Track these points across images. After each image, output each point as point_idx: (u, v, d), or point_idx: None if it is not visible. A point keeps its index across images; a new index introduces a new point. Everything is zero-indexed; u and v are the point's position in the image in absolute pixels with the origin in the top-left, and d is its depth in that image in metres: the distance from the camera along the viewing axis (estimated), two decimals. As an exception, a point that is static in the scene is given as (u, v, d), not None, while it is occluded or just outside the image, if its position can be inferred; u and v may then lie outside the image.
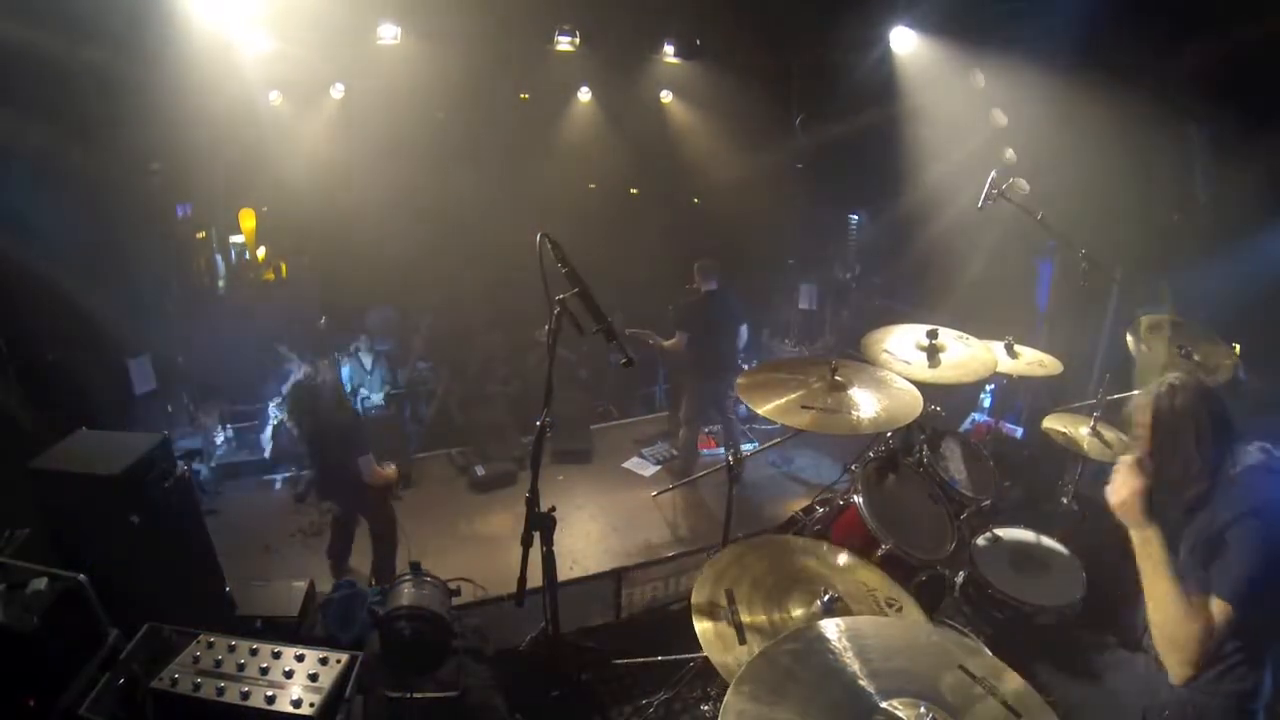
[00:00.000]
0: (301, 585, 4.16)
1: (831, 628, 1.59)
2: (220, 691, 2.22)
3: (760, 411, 2.87)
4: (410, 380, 6.83)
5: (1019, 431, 4.77)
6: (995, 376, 3.60)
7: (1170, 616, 1.90)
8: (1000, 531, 3.11)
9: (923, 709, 1.36)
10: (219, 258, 7.73)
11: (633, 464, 6.43)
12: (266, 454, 6.13)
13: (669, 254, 8.24)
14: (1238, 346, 3.49)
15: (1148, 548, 1.97)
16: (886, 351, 3.34)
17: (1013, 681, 1.52)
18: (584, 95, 8.46)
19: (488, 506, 5.77)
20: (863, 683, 1.43)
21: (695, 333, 5.62)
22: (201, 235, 7.39)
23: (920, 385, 3.08)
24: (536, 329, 7.17)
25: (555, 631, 2.47)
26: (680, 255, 7.45)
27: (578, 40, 6.60)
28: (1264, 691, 2.03)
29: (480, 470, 6.05)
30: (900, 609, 2.17)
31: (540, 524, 2.22)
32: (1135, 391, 3.31)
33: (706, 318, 5.64)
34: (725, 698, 1.40)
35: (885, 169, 6.40)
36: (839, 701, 1.38)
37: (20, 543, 2.89)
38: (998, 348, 3.62)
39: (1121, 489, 2.02)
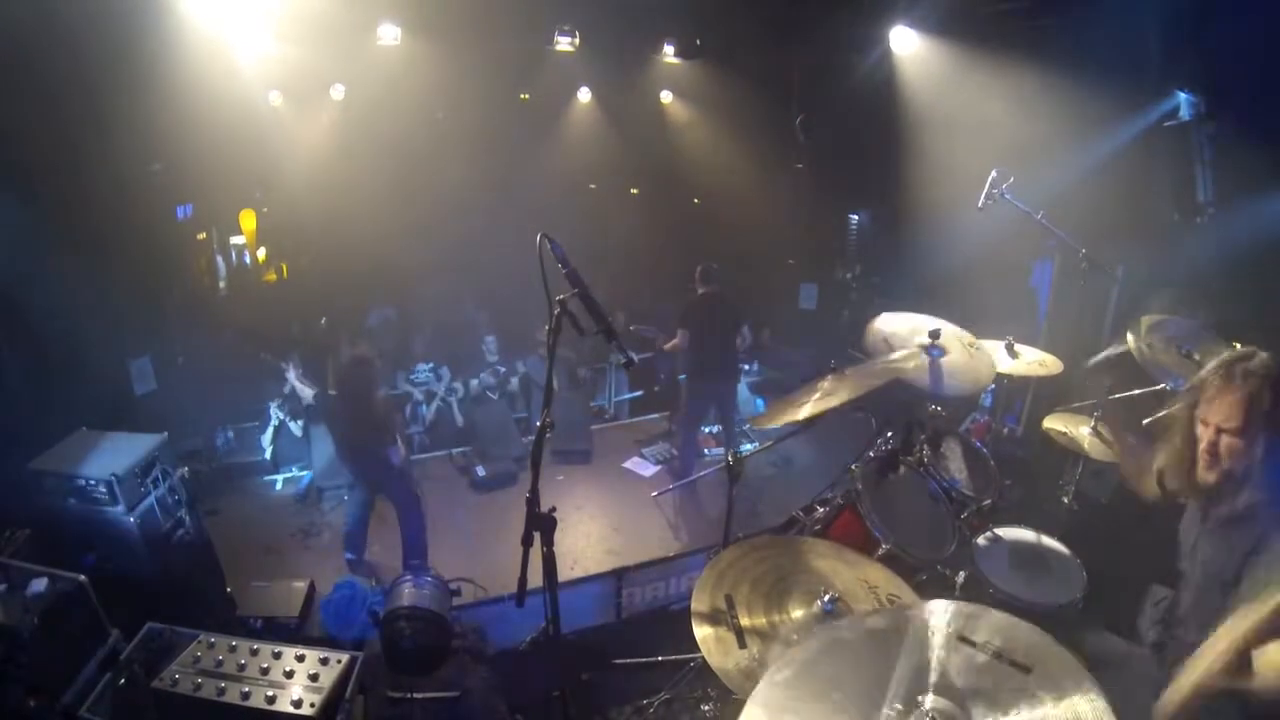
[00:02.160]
0: (301, 585, 4.18)
1: (835, 631, 1.58)
2: (221, 692, 2.23)
3: (777, 424, 2.93)
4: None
5: (1019, 430, 4.78)
6: (995, 376, 3.59)
7: None
8: (1000, 531, 3.11)
9: (928, 703, 1.33)
10: (220, 259, 7.73)
11: (633, 464, 6.43)
12: (266, 454, 6.13)
13: (669, 254, 8.24)
14: (1238, 345, 3.48)
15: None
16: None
17: (1021, 633, 1.44)
18: (584, 95, 8.46)
19: (488, 506, 5.77)
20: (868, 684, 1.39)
21: (694, 332, 5.64)
22: (202, 236, 7.38)
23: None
24: (537, 329, 7.17)
25: (555, 631, 2.46)
26: (681, 255, 7.45)
27: (578, 40, 6.60)
28: None
29: (480, 470, 6.05)
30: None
31: (540, 524, 2.21)
32: (1135, 391, 3.31)
33: (703, 318, 5.66)
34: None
35: (885, 169, 6.40)
36: (844, 707, 1.36)
37: (20, 543, 2.90)
38: (998, 348, 3.62)
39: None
